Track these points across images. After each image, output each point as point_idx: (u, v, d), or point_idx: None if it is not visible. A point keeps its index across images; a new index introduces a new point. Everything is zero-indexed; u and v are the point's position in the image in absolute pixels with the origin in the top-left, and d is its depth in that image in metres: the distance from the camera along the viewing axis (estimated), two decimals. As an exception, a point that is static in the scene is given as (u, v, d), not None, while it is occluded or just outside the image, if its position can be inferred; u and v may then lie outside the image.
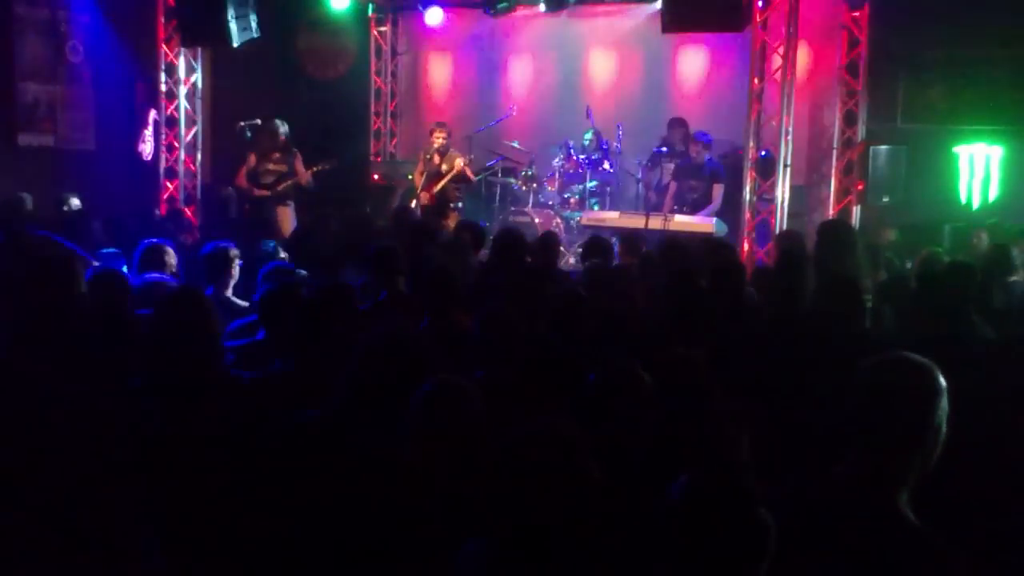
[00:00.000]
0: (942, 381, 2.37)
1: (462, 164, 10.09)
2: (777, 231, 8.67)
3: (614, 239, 7.77)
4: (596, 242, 6.71)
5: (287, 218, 9.56)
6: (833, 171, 9.61)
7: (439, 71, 12.87)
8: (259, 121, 10.03)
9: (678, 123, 10.22)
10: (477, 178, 10.52)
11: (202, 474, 2.64)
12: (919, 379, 2.36)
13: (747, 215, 8.91)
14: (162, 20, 10.52)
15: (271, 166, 9.70)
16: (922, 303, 4.40)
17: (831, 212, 9.49)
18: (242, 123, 10.01)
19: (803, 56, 9.50)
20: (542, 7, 11.32)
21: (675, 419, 3.03)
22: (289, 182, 9.57)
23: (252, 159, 9.72)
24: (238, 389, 3.53)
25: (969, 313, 4.46)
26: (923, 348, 2.53)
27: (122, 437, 2.28)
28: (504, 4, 11.14)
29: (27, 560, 2.15)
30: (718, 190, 9.42)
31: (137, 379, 3.23)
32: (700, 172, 9.57)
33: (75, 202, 8.47)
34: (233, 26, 9.63)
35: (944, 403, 2.35)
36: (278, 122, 9.78)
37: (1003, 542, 2.92)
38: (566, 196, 10.82)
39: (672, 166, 10.02)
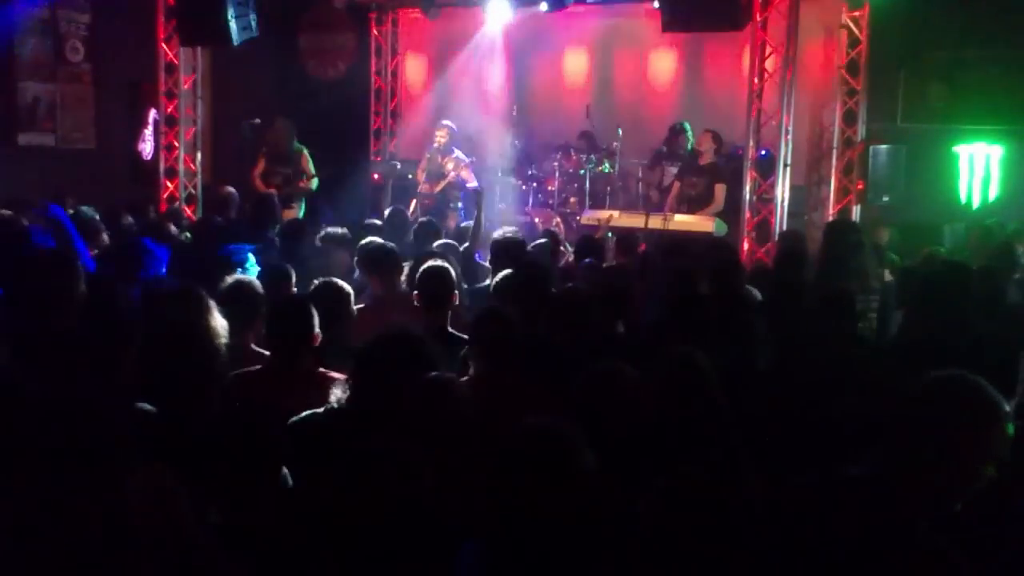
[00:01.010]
0: (1005, 408, 2.35)
1: (464, 166, 10.09)
2: (777, 231, 8.67)
3: (611, 236, 7.79)
4: (589, 241, 6.70)
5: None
6: (833, 171, 9.60)
7: (440, 70, 12.86)
8: (258, 120, 10.03)
9: (680, 129, 10.14)
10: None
11: (200, 475, 2.64)
12: (982, 406, 2.34)
13: (747, 215, 8.91)
14: (162, 19, 10.50)
15: (278, 167, 9.71)
16: (920, 303, 4.40)
17: (831, 212, 9.49)
18: (245, 122, 10.01)
19: (803, 55, 9.48)
20: (544, 7, 11.30)
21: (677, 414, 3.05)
22: (291, 189, 9.60)
23: (261, 161, 9.73)
24: (237, 388, 3.54)
25: (966, 312, 4.46)
26: (918, 349, 2.54)
27: (120, 438, 2.28)
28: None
29: (24, 564, 2.15)
30: (720, 190, 9.37)
31: (136, 378, 3.22)
32: (701, 170, 9.54)
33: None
34: (233, 25, 9.62)
35: (1000, 432, 2.33)
36: (284, 122, 9.76)
37: (1001, 542, 2.92)
38: (565, 196, 10.82)
39: (674, 169, 9.99)
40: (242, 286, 4.39)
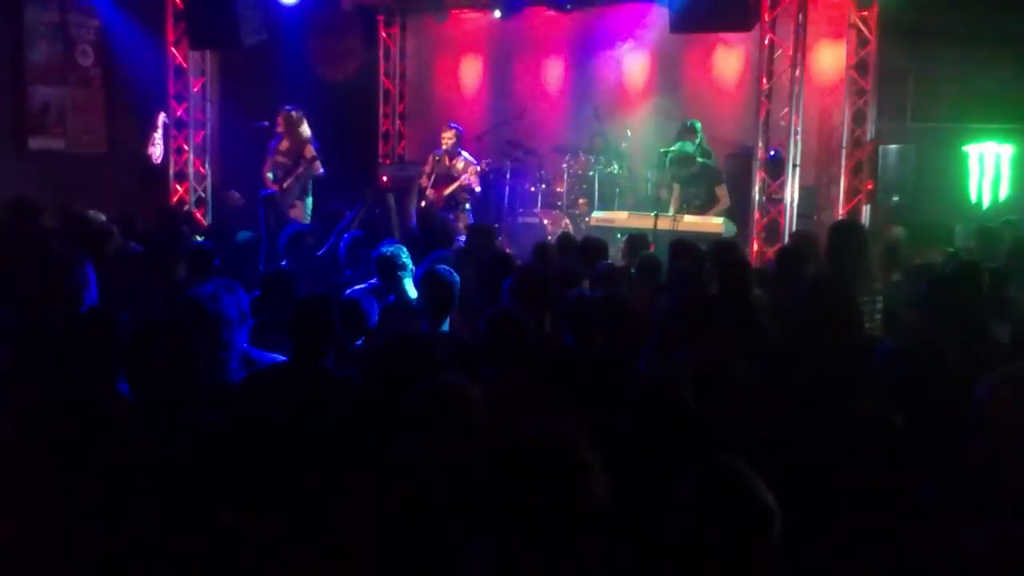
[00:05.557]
0: None
1: (475, 172, 10.08)
2: (786, 231, 8.66)
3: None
4: (595, 243, 6.63)
5: (297, 217, 9.53)
6: (842, 171, 9.57)
7: (448, 72, 12.87)
8: (267, 123, 10.04)
9: (691, 128, 10.03)
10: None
11: (204, 473, 2.65)
12: None
13: (756, 215, 8.90)
14: (171, 23, 10.55)
15: (279, 159, 9.66)
16: (931, 306, 4.37)
17: (840, 212, 9.46)
18: (267, 122, 9.99)
19: (812, 55, 9.46)
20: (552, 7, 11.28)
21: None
22: (291, 179, 9.51)
23: (269, 158, 9.72)
24: (240, 388, 3.55)
25: (981, 314, 4.44)
26: (926, 353, 2.52)
27: (119, 437, 2.29)
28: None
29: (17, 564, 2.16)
30: (722, 191, 9.25)
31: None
32: (697, 178, 9.36)
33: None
34: (242, 28, 9.65)
35: None
36: (288, 111, 9.63)
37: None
38: (574, 197, 10.82)
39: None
40: None
